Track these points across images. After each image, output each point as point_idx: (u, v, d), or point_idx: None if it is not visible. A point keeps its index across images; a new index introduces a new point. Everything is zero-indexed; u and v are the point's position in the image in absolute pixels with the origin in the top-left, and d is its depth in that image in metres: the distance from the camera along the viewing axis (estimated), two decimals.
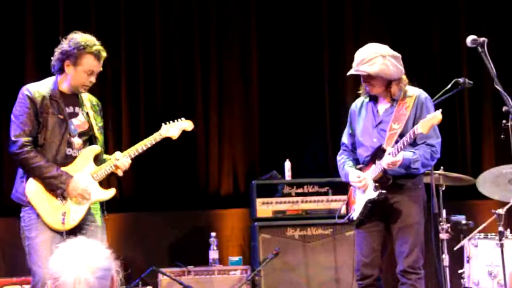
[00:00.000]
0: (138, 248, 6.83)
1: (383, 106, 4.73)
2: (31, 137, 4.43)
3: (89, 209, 4.52)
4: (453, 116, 7.38)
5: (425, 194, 4.69)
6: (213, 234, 6.62)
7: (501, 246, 5.00)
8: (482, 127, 7.41)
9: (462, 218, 5.52)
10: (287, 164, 6.66)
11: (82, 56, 4.45)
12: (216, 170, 7.16)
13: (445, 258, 4.83)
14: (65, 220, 4.34)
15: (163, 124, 4.77)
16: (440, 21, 7.47)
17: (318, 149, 7.25)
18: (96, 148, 4.60)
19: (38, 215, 4.38)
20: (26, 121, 4.44)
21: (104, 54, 4.52)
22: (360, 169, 4.77)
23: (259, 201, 6.45)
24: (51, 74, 4.58)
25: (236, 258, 6.50)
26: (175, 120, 4.81)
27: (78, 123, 4.57)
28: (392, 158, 4.44)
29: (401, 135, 4.53)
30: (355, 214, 4.76)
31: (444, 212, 5.07)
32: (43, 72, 6.89)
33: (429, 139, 4.60)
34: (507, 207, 5.19)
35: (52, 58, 4.53)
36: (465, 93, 7.16)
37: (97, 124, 4.65)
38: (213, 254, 6.54)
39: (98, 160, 4.62)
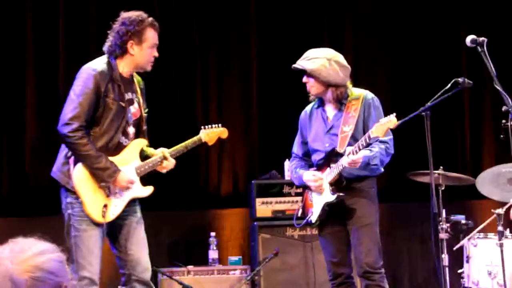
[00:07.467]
0: None
1: (332, 111, 4.79)
2: (86, 121, 4.22)
3: (130, 202, 4.40)
4: (453, 116, 7.38)
5: (376, 195, 4.78)
6: (212, 234, 6.62)
7: (501, 246, 5.00)
8: (482, 127, 7.41)
9: (461, 218, 5.51)
10: (287, 164, 6.66)
11: (144, 31, 4.33)
12: (215, 170, 7.15)
13: (445, 258, 4.81)
14: (105, 214, 4.24)
15: (202, 128, 4.74)
16: (440, 21, 7.47)
17: None
18: (143, 142, 4.49)
19: (81, 203, 4.25)
20: (84, 104, 4.21)
21: (157, 23, 4.43)
22: None
23: (258, 200, 6.45)
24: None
25: (235, 258, 6.49)
26: (212, 126, 4.77)
27: (134, 111, 4.44)
28: (353, 156, 4.45)
29: (353, 137, 4.59)
30: (313, 217, 4.82)
31: (443, 212, 5.07)
32: (42, 72, 6.95)
33: None
34: (506, 206, 5.18)
35: (107, 43, 4.37)
36: (465, 93, 7.16)
37: (144, 112, 4.53)
38: (213, 254, 6.54)
39: (141, 153, 4.49)
